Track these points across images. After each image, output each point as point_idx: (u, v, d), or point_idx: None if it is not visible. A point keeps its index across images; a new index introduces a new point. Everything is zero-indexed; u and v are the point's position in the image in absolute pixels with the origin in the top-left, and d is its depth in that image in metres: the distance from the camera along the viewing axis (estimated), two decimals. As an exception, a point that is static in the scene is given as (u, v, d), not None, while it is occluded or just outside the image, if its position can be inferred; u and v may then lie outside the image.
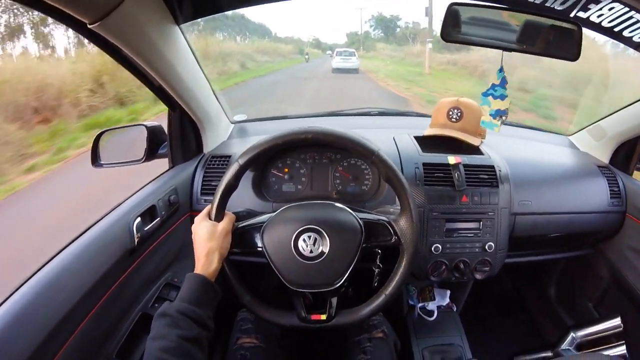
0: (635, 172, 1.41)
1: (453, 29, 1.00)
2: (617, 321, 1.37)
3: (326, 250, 0.81)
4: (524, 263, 1.39)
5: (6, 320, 0.65)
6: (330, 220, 0.84)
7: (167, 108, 1.18)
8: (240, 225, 0.87)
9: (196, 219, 0.84)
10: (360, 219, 0.86)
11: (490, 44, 1.02)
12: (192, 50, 1.06)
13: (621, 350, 1.32)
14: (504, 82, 1.09)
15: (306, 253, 0.81)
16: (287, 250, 0.82)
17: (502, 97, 1.10)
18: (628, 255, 1.32)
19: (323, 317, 0.85)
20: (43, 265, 0.77)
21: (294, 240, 0.82)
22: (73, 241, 0.84)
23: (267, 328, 1.08)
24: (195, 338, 0.67)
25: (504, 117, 1.13)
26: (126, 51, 0.84)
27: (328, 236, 0.82)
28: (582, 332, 1.43)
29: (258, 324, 1.07)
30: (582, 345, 1.42)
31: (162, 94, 1.07)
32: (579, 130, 1.54)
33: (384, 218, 0.87)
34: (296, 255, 0.81)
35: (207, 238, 0.79)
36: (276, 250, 0.83)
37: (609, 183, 1.31)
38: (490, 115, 1.13)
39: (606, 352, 1.33)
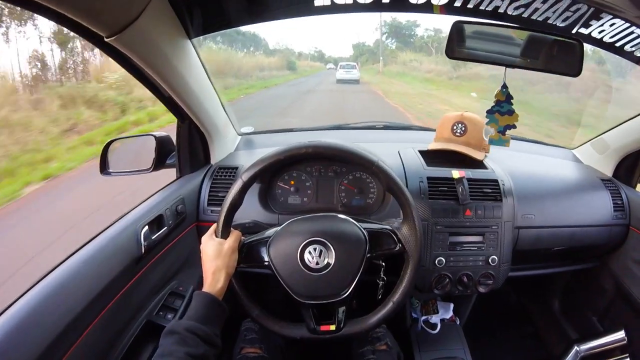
0: (639, 185, 1.42)
1: (457, 46, 1.02)
2: (621, 334, 1.36)
3: (332, 261, 0.82)
4: (528, 276, 1.39)
5: (13, 324, 0.65)
6: (335, 231, 0.85)
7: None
8: (247, 241, 0.88)
9: (203, 238, 0.86)
10: (364, 228, 0.87)
11: (495, 59, 1.04)
12: (202, 63, 1.08)
13: (625, 364, 1.32)
14: (509, 98, 1.11)
15: (312, 265, 0.82)
16: (294, 263, 0.83)
17: (510, 112, 1.12)
18: (632, 268, 1.32)
19: (332, 327, 0.85)
20: (50, 271, 0.78)
21: (300, 252, 0.83)
22: (81, 248, 0.86)
23: (271, 338, 1.08)
24: (202, 356, 0.68)
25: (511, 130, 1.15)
26: (139, 64, 0.87)
27: (333, 247, 0.83)
28: (586, 346, 1.41)
29: (262, 334, 1.08)
30: (586, 359, 1.40)
31: (172, 105, 1.10)
32: (583, 144, 1.56)
33: (387, 227, 0.88)
34: (302, 268, 0.82)
35: (214, 257, 0.81)
36: (283, 264, 0.84)
37: (612, 196, 1.31)
38: (499, 131, 1.14)
39: (610, 366, 1.33)
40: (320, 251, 0.82)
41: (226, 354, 1.13)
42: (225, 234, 0.85)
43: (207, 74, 1.12)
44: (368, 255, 0.84)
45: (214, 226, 0.86)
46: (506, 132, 1.15)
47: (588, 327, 1.53)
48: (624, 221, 1.31)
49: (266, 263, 0.85)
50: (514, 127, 1.14)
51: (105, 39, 0.75)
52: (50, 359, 0.68)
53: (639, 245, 1.30)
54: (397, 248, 0.87)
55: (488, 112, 1.14)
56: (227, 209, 0.84)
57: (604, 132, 1.43)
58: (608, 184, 1.35)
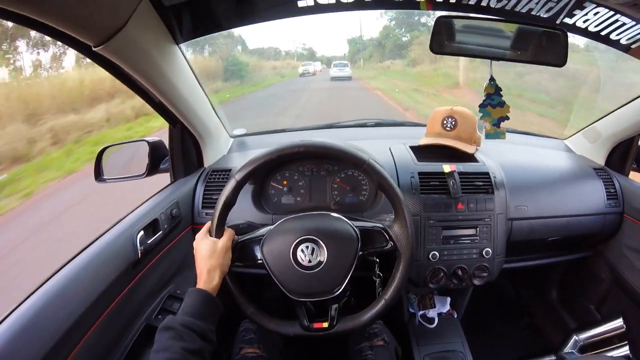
0: (632, 173, 1.43)
1: (442, 41, 1.02)
2: (619, 322, 1.37)
3: (324, 259, 0.83)
4: (524, 268, 1.40)
5: (14, 330, 0.67)
6: (327, 229, 0.86)
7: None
8: (240, 240, 0.89)
9: (197, 236, 0.87)
10: (356, 226, 0.88)
11: (483, 52, 1.03)
12: (191, 68, 1.09)
13: (624, 350, 1.32)
14: (499, 90, 1.11)
15: (305, 263, 0.83)
16: (286, 261, 0.84)
17: (501, 104, 1.11)
18: (628, 255, 1.33)
19: (325, 324, 0.86)
20: (49, 277, 0.79)
21: (293, 250, 0.84)
22: (78, 254, 0.87)
23: (270, 338, 1.09)
24: (198, 351, 0.69)
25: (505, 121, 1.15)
26: (128, 71, 0.88)
27: (325, 245, 0.84)
28: (584, 335, 1.42)
29: (260, 334, 1.08)
30: (585, 348, 1.41)
31: (162, 110, 1.10)
32: (574, 134, 1.56)
33: (378, 225, 0.89)
34: (295, 266, 0.83)
35: (208, 255, 0.82)
36: (276, 262, 0.85)
37: (605, 184, 1.32)
38: (493, 124, 1.14)
39: (609, 354, 1.34)
40: (313, 249, 0.83)
41: (225, 355, 1.14)
42: (219, 233, 0.86)
43: (196, 77, 1.13)
44: (360, 253, 0.85)
45: (207, 224, 0.88)
46: (500, 124, 1.15)
47: (586, 316, 1.54)
48: (617, 209, 1.32)
49: (259, 261, 0.86)
50: (507, 118, 1.13)
51: (93, 48, 0.76)
52: None
53: (633, 233, 1.31)
54: (389, 246, 0.88)
55: (480, 106, 1.13)
56: (220, 208, 0.86)
57: (595, 121, 1.43)
58: (601, 173, 1.36)
